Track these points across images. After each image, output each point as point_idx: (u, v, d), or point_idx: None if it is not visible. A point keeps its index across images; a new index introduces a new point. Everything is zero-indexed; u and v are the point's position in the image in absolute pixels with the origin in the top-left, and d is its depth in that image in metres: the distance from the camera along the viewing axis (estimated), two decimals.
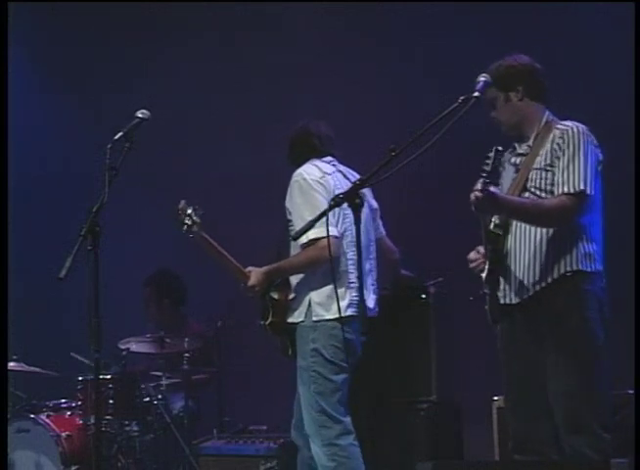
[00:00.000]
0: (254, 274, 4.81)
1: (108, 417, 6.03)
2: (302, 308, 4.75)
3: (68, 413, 6.19)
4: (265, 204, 6.84)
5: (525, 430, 4.19)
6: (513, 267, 4.20)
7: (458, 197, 6.49)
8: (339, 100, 6.82)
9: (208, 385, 6.70)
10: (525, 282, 4.17)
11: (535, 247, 4.16)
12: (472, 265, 4.33)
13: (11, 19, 6.81)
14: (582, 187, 4.08)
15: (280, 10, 7.20)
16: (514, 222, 4.22)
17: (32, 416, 6.07)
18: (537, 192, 4.17)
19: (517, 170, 4.24)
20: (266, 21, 7.27)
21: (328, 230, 4.09)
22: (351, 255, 4.72)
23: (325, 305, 4.66)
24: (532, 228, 4.17)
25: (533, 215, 4.15)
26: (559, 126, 4.23)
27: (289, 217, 4.82)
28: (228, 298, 6.36)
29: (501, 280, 4.24)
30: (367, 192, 4.96)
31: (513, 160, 4.32)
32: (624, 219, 4.74)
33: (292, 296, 4.82)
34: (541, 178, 4.18)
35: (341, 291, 4.63)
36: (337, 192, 4.37)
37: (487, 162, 4.04)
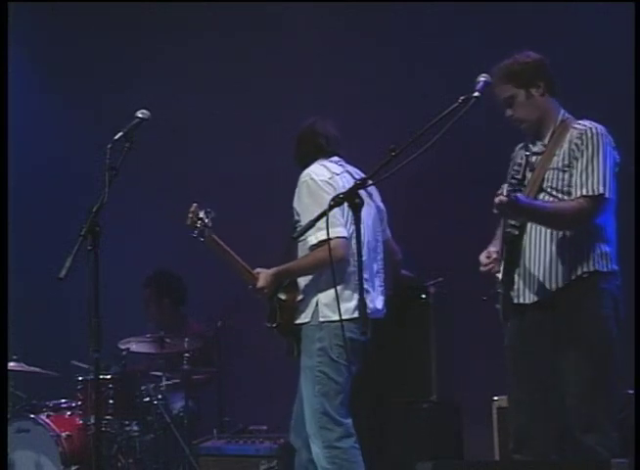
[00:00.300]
0: (263, 276, 4.78)
1: (108, 417, 6.03)
2: (309, 309, 4.73)
3: (68, 413, 6.19)
4: (266, 204, 6.86)
5: (528, 430, 4.18)
6: (529, 268, 4.19)
7: (458, 197, 6.56)
8: (339, 100, 6.82)
9: (208, 385, 6.70)
10: (542, 283, 4.16)
11: (552, 248, 4.16)
12: (484, 269, 4.30)
13: (11, 19, 6.81)
14: (602, 190, 4.08)
15: (280, 10, 7.20)
16: (529, 223, 4.21)
17: (32, 416, 6.08)
18: (554, 192, 4.16)
19: (532, 169, 4.20)
20: (266, 21, 7.27)
21: (328, 231, 4.07)
22: (359, 255, 4.70)
23: (332, 306, 4.61)
24: (548, 229, 4.17)
25: (553, 219, 4.14)
26: (576, 126, 4.21)
27: (297, 218, 4.79)
28: (228, 298, 6.38)
29: (515, 280, 4.23)
30: (375, 193, 4.96)
31: (527, 152, 4.29)
32: (624, 219, 4.73)
33: (300, 297, 4.80)
34: (558, 179, 4.16)
35: (348, 292, 4.62)
36: None
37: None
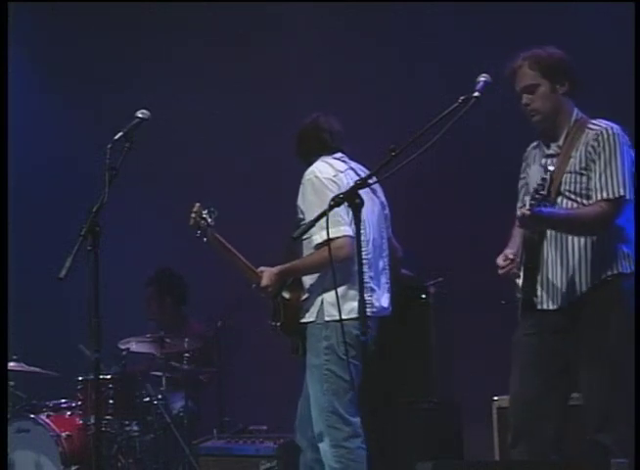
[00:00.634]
0: (267, 274, 4.76)
1: (108, 417, 6.04)
2: (315, 308, 4.71)
3: (68, 413, 6.19)
4: (266, 203, 6.87)
5: (526, 426, 4.17)
6: (551, 273, 4.17)
7: (458, 197, 6.56)
8: (339, 100, 6.81)
9: (208, 385, 6.70)
10: (566, 288, 4.13)
11: (574, 252, 4.14)
12: (501, 272, 4.23)
13: (11, 19, 6.81)
14: (622, 193, 4.06)
15: (280, 10, 7.20)
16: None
17: (32, 416, 6.08)
18: (572, 196, 4.13)
19: (546, 171, 4.15)
20: (266, 21, 7.27)
21: (328, 231, 4.06)
22: (365, 254, 4.69)
23: (340, 304, 4.57)
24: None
25: (577, 227, 4.12)
26: (592, 126, 4.18)
27: (300, 216, 4.76)
28: (228, 297, 6.38)
29: (537, 286, 4.19)
30: (379, 190, 4.95)
31: (543, 161, 4.25)
32: None
33: (305, 296, 4.79)
34: (576, 182, 4.13)
35: (354, 291, 4.58)
36: None
37: (543, 184, 4.03)
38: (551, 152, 4.25)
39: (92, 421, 5.78)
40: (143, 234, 7.36)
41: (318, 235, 4.55)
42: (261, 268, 4.80)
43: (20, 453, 6.00)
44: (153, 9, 7.51)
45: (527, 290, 4.19)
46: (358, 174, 4.75)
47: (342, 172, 4.81)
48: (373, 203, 4.84)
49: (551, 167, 4.09)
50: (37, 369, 6.40)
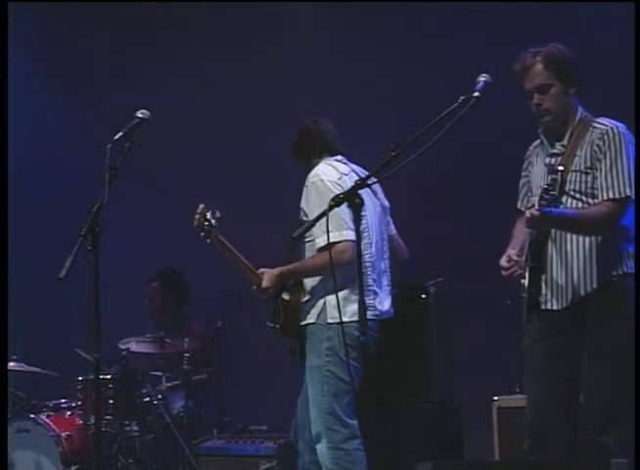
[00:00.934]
0: (267, 276, 4.74)
1: (108, 417, 6.03)
2: (316, 310, 4.70)
3: (68, 413, 6.19)
4: (266, 203, 6.87)
5: (545, 430, 4.14)
6: (556, 273, 4.16)
7: (458, 197, 6.56)
8: (339, 100, 6.82)
9: (208, 385, 6.70)
10: (571, 288, 4.13)
11: (579, 252, 4.13)
12: (505, 273, 4.21)
13: (11, 19, 6.80)
14: (628, 192, 4.06)
15: (280, 10, 7.20)
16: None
17: (32, 416, 6.08)
18: (577, 195, 4.13)
19: (551, 171, 4.15)
20: (266, 21, 7.27)
21: (328, 234, 4.05)
22: (368, 257, 4.69)
23: (343, 306, 4.56)
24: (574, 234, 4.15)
25: (584, 226, 4.11)
26: (597, 125, 4.17)
27: (304, 219, 4.73)
28: (228, 298, 6.38)
29: (542, 286, 4.18)
30: (379, 190, 4.94)
31: (547, 160, 4.25)
32: None
33: (305, 298, 4.78)
34: (581, 181, 4.12)
35: (356, 294, 4.56)
36: None
37: (553, 185, 4.02)
38: (555, 151, 4.23)
39: (92, 421, 5.78)
40: (143, 234, 7.36)
41: (321, 238, 4.52)
42: (262, 270, 4.78)
43: (20, 453, 6.00)
44: (153, 9, 7.51)
45: (532, 290, 4.18)
46: (360, 176, 4.73)
47: (345, 175, 4.79)
48: (374, 204, 4.83)
49: (561, 167, 4.08)
50: (37, 369, 6.40)
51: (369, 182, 3.80)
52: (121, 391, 6.16)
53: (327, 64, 7.04)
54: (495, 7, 6.31)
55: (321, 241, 4.54)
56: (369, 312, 4.57)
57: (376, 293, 4.73)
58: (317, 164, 4.89)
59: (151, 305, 7.00)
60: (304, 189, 4.81)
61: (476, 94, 3.83)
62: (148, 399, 6.24)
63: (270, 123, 6.91)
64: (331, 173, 4.78)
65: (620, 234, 4.13)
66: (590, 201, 4.12)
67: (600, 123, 4.18)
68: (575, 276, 4.13)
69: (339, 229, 4.49)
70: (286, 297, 4.81)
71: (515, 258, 4.20)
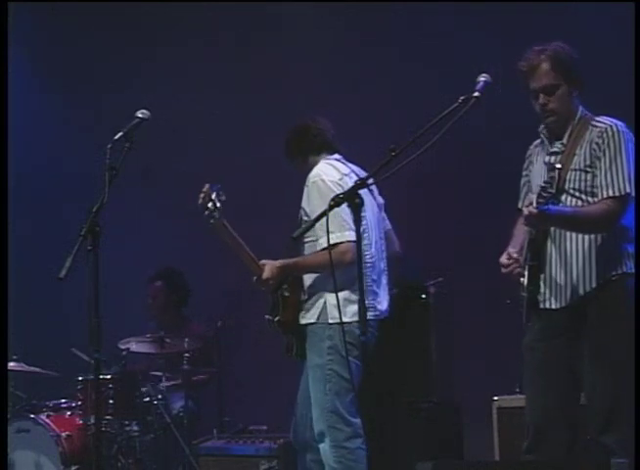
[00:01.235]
0: (269, 267, 4.73)
1: (108, 417, 6.03)
2: (316, 310, 4.70)
3: (68, 413, 6.19)
4: (266, 203, 6.87)
5: (545, 430, 4.14)
6: (555, 272, 4.16)
7: (458, 197, 6.56)
8: (339, 100, 6.82)
9: (208, 385, 6.70)
10: (570, 287, 4.12)
11: (578, 251, 4.13)
12: (505, 271, 4.21)
13: (11, 19, 6.80)
14: (628, 190, 4.05)
15: (280, 10, 7.20)
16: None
17: (32, 416, 6.07)
18: (577, 193, 4.12)
19: (553, 169, 4.14)
20: (266, 21, 7.27)
21: (329, 235, 4.04)
22: (369, 257, 4.69)
23: (341, 307, 4.55)
24: (573, 232, 4.14)
25: (583, 225, 4.11)
26: (596, 124, 4.17)
27: (305, 219, 4.73)
28: (228, 298, 6.38)
29: (541, 284, 4.18)
30: (375, 190, 4.93)
31: (547, 159, 4.24)
32: None
33: (305, 297, 4.77)
34: (580, 180, 4.12)
35: (357, 294, 4.58)
36: None
37: (551, 183, 4.02)
38: (555, 149, 4.23)
39: (92, 421, 5.78)
40: (143, 234, 7.36)
41: (324, 239, 4.51)
42: (264, 261, 4.76)
43: (20, 453, 6.00)
44: (153, 9, 7.51)
45: (531, 289, 4.18)
46: (359, 176, 4.72)
47: (346, 175, 4.80)
48: (372, 204, 4.83)
49: (558, 165, 4.07)
50: (37, 369, 6.40)
51: (369, 182, 3.80)
52: (121, 391, 6.15)
53: (327, 64, 7.04)
54: (495, 7, 6.31)
55: (324, 242, 4.51)
56: (369, 313, 4.59)
57: (376, 293, 4.73)
58: (315, 162, 4.88)
59: (154, 305, 7.00)
60: (305, 189, 4.80)
61: (476, 94, 3.83)
62: (148, 399, 6.24)
63: (270, 123, 6.91)
64: (332, 173, 4.78)
65: (620, 234, 4.12)
66: (590, 199, 4.12)
67: (599, 122, 4.18)
68: (575, 275, 4.13)
69: (340, 230, 4.49)
70: (286, 293, 4.81)
71: (515, 255, 4.20)
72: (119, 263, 6.38)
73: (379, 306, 4.74)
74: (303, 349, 4.80)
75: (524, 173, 4.44)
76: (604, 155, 4.10)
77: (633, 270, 4.12)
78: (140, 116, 4.35)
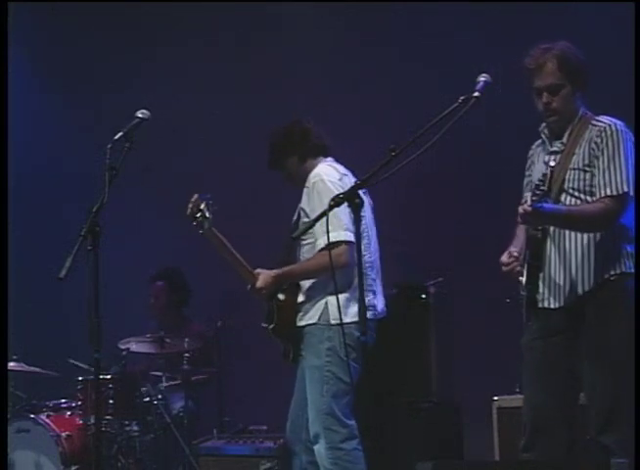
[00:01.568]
0: (263, 277, 4.74)
1: (108, 417, 6.03)
2: (316, 311, 4.70)
3: (68, 413, 6.19)
4: (266, 203, 6.87)
5: (541, 429, 4.14)
6: (554, 272, 4.15)
7: (458, 197, 6.56)
8: (339, 100, 6.82)
9: (208, 385, 6.70)
10: (568, 287, 4.12)
11: (577, 250, 4.12)
12: (505, 269, 4.21)
13: (11, 19, 6.80)
14: (626, 189, 4.05)
15: (280, 10, 7.20)
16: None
17: (32, 416, 6.08)
18: (576, 193, 4.11)
19: (547, 167, 4.11)
20: (266, 21, 7.27)
21: (328, 235, 4.04)
22: (368, 257, 4.69)
23: (343, 308, 4.56)
24: (572, 232, 4.13)
25: (580, 223, 4.10)
26: (595, 123, 4.16)
27: (305, 220, 4.73)
28: (228, 298, 6.38)
29: (540, 284, 4.17)
30: (366, 191, 4.94)
31: (547, 158, 4.22)
32: None
33: (303, 299, 4.77)
34: (579, 179, 4.11)
35: (356, 294, 4.59)
36: None
37: (543, 180, 4.01)
38: (555, 149, 4.23)
39: (92, 421, 5.79)
40: (143, 234, 7.36)
41: (322, 239, 4.53)
42: (258, 270, 4.78)
43: (20, 453, 6.00)
44: (152, 9, 7.51)
45: (530, 288, 4.18)
46: (354, 178, 4.75)
47: (345, 175, 4.81)
48: (368, 203, 4.83)
49: (552, 163, 4.07)
50: (37, 369, 6.40)
51: (370, 182, 3.80)
52: (121, 391, 6.16)
53: (327, 64, 7.04)
54: (495, 7, 6.31)
55: (322, 242, 4.54)
56: (370, 312, 4.61)
57: (375, 292, 4.74)
58: (313, 165, 4.88)
59: (155, 305, 6.99)
60: (305, 190, 4.80)
61: (476, 94, 3.83)
62: (148, 399, 6.25)
63: (270, 123, 6.90)
64: (332, 174, 4.79)
65: (620, 233, 4.12)
66: (589, 199, 4.11)
67: (599, 121, 4.18)
68: (573, 275, 4.12)
69: (337, 230, 4.49)
70: (281, 297, 4.81)
71: (515, 254, 4.21)
72: (119, 263, 6.38)
73: (378, 306, 4.75)
74: (299, 355, 4.82)
75: (526, 173, 4.44)
76: (602, 154, 4.10)
77: (633, 270, 4.11)
78: (140, 116, 4.35)
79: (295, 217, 4.92)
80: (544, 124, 4.31)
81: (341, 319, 4.41)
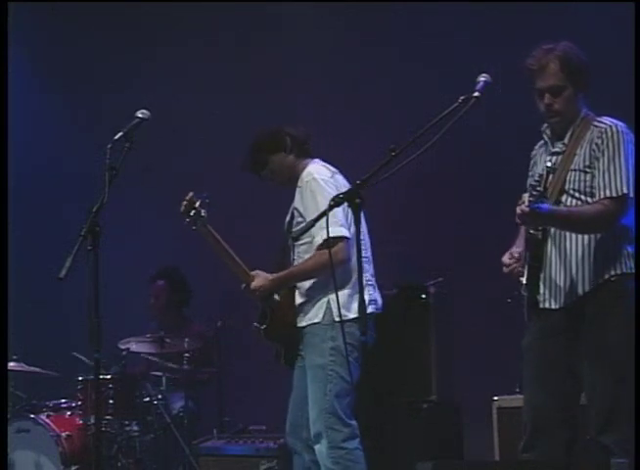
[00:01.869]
0: (261, 279, 4.77)
1: (108, 417, 6.03)
2: (319, 310, 4.70)
3: (68, 413, 6.19)
4: (266, 203, 6.86)
5: (541, 430, 4.14)
6: (554, 272, 4.14)
7: (458, 197, 6.56)
8: (339, 100, 6.82)
9: (208, 385, 6.70)
10: (568, 287, 4.11)
11: (577, 251, 4.11)
12: (506, 270, 4.22)
13: (11, 19, 6.80)
14: (625, 190, 4.03)
15: (280, 10, 7.20)
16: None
17: (32, 416, 6.08)
18: (576, 194, 4.11)
19: (552, 170, 4.12)
20: (266, 21, 7.27)
21: (328, 232, 4.04)
22: (365, 252, 4.70)
23: (346, 305, 4.58)
24: (572, 232, 4.13)
25: (579, 225, 4.09)
26: (596, 124, 4.16)
27: (299, 219, 4.76)
28: (228, 298, 6.38)
29: (540, 284, 4.16)
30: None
31: (548, 159, 4.20)
32: None
33: (301, 299, 4.77)
34: (580, 180, 4.11)
35: (357, 289, 4.60)
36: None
37: (540, 181, 4.01)
38: (556, 150, 4.22)
39: (92, 421, 5.78)
40: (143, 234, 7.37)
41: (319, 237, 4.55)
42: (257, 272, 4.80)
43: (20, 453, 6.00)
44: (152, 9, 7.51)
45: (531, 288, 4.18)
46: (350, 176, 4.77)
47: (336, 173, 4.85)
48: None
49: (548, 164, 4.07)
50: (37, 369, 6.40)
51: (371, 182, 3.80)
52: (121, 391, 6.16)
53: (327, 64, 7.04)
54: (495, 7, 6.31)
55: (320, 239, 4.57)
56: (372, 306, 4.66)
57: (374, 286, 4.76)
58: (303, 165, 4.90)
59: (156, 304, 6.99)
60: (297, 190, 4.84)
61: (476, 94, 3.82)
62: (148, 398, 6.25)
63: (270, 123, 6.90)
64: (324, 172, 4.82)
65: (620, 234, 4.12)
66: (590, 200, 4.11)
67: (600, 122, 4.17)
68: (574, 275, 4.12)
69: (332, 226, 4.48)
70: (276, 298, 4.83)
71: (517, 255, 4.21)
72: (119, 263, 6.38)
73: (378, 301, 4.76)
74: (291, 356, 4.84)
75: (529, 174, 4.43)
76: (603, 155, 4.09)
77: (633, 271, 4.11)
78: (140, 116, 4.35)
79: (288, 218, 4.95)
80: (546, 125, 4.30)
81: (340, 316, 4.41)
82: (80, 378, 6.16)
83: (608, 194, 4.06)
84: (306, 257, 4.76)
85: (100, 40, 7.72)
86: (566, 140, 4.20)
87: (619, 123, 4.16)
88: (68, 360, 6.28)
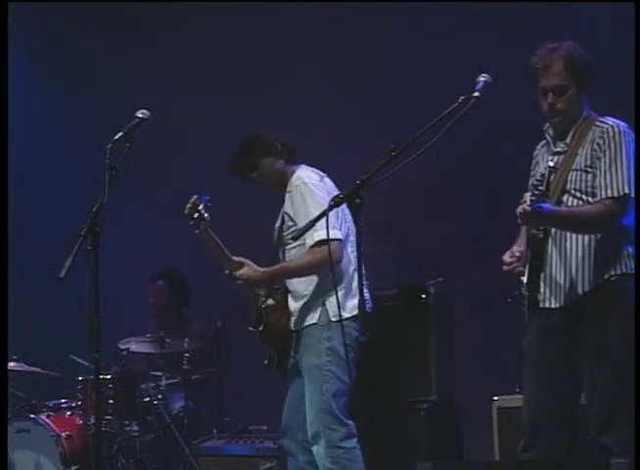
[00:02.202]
0: (251, 268, 4.76)
1: (108, 417, 6.03)
2: (315, 312, 4.71)
3: (68, 413, 6.19)
4: (266, 203, 6.85)
5: (541, 430, 4.14)
6: (555, 272, 4.14)
7: (458, 197, 6.56)
8: (339, 100, 6.82)
9: (208, 385, 6.70)
10: (569, 287, 4.11)
11: (578, 251, 4.11)
12: (507, 268, 4.21)
13: (11, 19, 6.80)
14: (627, 190, 4.04)
15: (280, 10, 7.20)
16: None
17: (32, 416, 6.08)
18: (578, 194, 4.11)
19: (554, 170, 4.12)
20: (266, 21, 7.27)
21: (328, 232, 4.05)
22: (358, 254, 4.70)
23: (342, 304, 4.58)
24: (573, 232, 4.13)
25: (581, 225, 4.09)
26: (598, 124, 4.15)
27: (289, 223, 4.79)
28: (228, 298, 6.37)
29: (541, 284, 4.16)
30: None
31: (550, 158, 4.20)
32: None
33: (295, 302, 4.79)
34: (581, 180, 4.11)
35: (354, 290, 4.62)
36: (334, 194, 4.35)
37: (541, 180, 4.01)
38: (558, 149, 4.22)
39: (92, 421, 5.79)
40: (143, 234, 7.36)
41: (310, 238, 4.57)
42: (247, 261, 4.79)
43: (20, 453, 6.00)
44: (152, 9, 7.51)
45: (531, 288, 4.18)
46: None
47: (324, 177, 4.88)
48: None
49: (550, 163, 4.07)
50: (37, 369, 6.40)
51: (371, 182, 3.80)
52: (121, 391, 6.16)
53: (327, 64, 7.04)
54: (495, 7, 6.31)
55: (310, 240, 4.58)
56: (367, 306, 4.61)
57: (369, 287, 4.76)
58: (291, 171, 4.92)
59: (155, 304, 6.99)
60: (287, 194, 4.86)
61: (476, 94, 3.82)
62: (148, 399, 6.25)
63: (270, 123, 6.90)
64: (313, 176, 4.85)
65: (621, 234, 4.12)
66: (591, 200, 4.11)
67: (602, 122, 4.17)
68: (574, 275, 4.12)
69: (325, 229, 4.49)
70: (270, 302, 4.84)
71: (518, 254, 4.21)
72: (119, 263, 6.38)
73: (370, 301, 4.77)
74: (283, 362, 4.86)
75: (531, 174, 4.43)
76: (604, 155, 4.09)
77: (633, 271, 4.11)
78: (140, 116, 4.35)
79: (278, 223, 4.97)
80: (548, 124, 4.30)
81: (340, 316, 4.42)
82: (80, 378, 6.16)
83: (609, 194, 4.06)
84: None
85: (100, 40, 7.72)
86: (568, 140, 4.20)
87: (621, 123, 4.15)
88: (68, 360, 6.29)
